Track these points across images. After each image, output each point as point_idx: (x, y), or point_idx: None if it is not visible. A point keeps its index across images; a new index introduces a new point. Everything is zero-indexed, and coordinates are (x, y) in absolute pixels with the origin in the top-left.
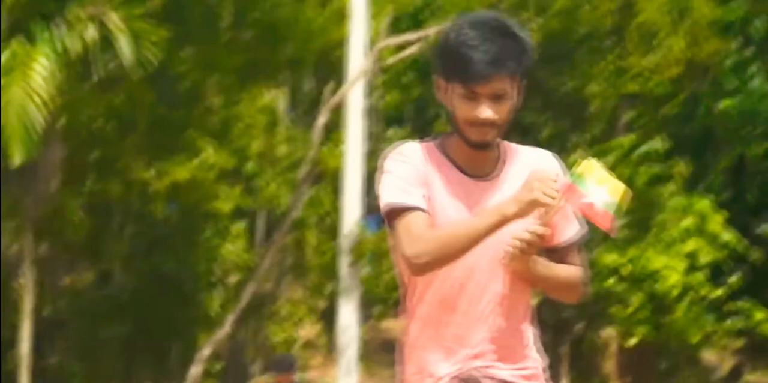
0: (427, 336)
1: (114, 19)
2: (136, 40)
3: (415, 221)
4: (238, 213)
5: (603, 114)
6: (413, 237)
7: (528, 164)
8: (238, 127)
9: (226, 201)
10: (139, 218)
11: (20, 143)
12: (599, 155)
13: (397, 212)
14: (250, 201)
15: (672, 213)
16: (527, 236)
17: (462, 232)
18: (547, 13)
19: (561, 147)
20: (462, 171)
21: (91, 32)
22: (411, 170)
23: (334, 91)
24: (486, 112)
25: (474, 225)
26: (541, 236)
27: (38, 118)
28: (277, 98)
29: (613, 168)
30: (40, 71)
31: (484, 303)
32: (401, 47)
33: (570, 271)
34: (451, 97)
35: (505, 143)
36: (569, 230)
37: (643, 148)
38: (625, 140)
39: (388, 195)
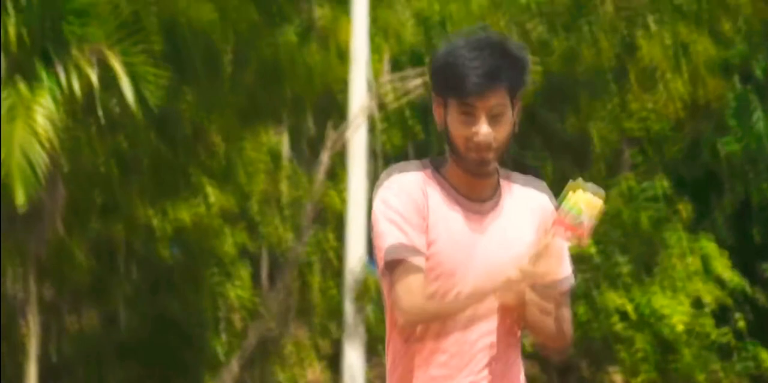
0: (412, 374)
1: (116, 61)
2: (138, 82)
3: (415, 284)
4: (242, 255)
5: (605, 154)
6: (409, 304)
7: (525, 199)
8: (241, 168)
9: (229, 243)
10: (143, 260)
11: (23, 184)
12: None
13: (396, 264)
14: (254, 243)
15: (676, 254)
16: (519, 273)
17: (461, 306)
18: (547, 55)
19: (563, 187)
20: (460, 195)
21: (93, 74)
22: (410, 206)
23: (337, 131)
24: (484, 128)
25: (474, 296)
26: (531, 273)
27: (41, 160)
28: (279, 139)
29: (615, 209)
30: (43, 113)
31: (474, 340)
32: (402, 85)
33: (561, 316)
34: (448, 115)
35: (511, 173)
36: (559, 273)
37: (646, 189)
38: (628, 180)
39: (387, 239)
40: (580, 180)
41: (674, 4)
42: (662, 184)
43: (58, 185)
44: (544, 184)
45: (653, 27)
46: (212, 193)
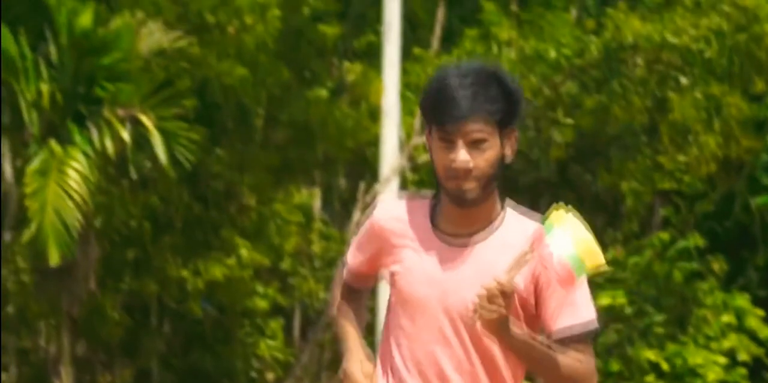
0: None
1: (148, 120)
2: (170, 141)
3: (340, 283)
4: (275, 310)
5: (638, 211)
6: (332, 300)
7: (523, 233)
8: (273, 225)
9: (262, 299)
10: (175, 316)
11: (57, 243)
12: (634, 252)
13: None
14: (286, 299)
15: (710, 310)
16: (490, 290)
17: (336, 334)
18: (579, 112)
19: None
20: (443, 232)
21: (126, 133)
22: (372, 231)
23: (368, 190)
24: (462, 155)
25: (340, 344)
26: (504, 291)
27: (74, 218)
28: (311, 197)
29: (648, 265)
30: (76, 172)
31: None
32: None
33: (573, 361)
34: (432, 143)
35: (512, 204)
36: (566, 318)
37: (679, 245)
38: (661, 236)
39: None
40: (568, 210)
41: (706, 61)
42: (695, 240)
43: (91, 242)
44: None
45: (685, 84)
46: (244, 250)
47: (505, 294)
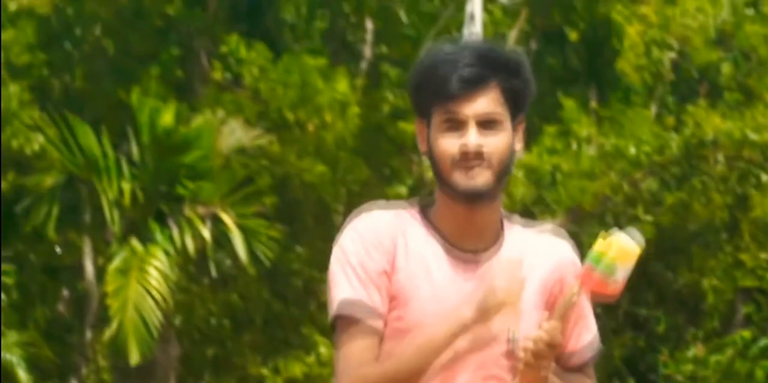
0: None
1: (228, 218)
2: (250, 238)
3: (359, 349)
4: None
5: (719, 309)
6: (353, 373)
7: (538, 247)
8: None
9: None
10: None
11: (138, 341)
12: (716, 350)
13: (345, 323)
14: None
15: None
16: (537, 343)
17: (412, 358)
18: (659, 208)
19: (676, 342)
20: (448, 243)
21: (206, 231)
22: (373, 255)
23: None
24: (473, 137)
25: (427, 346)
26: (553, 344)
27: (155, 317)
28: None
29: (730, 364)
30: (157, 271)
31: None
32: None
33: None
34: (432, 132)
35: (514, 215)
36: (584, 338)
37: (761, 343)
38: (743, 334)
39: (342, 291)
40: (614, 230)
41: None
42: None
43: (171, 340)
44: (563, 231)
45: (766, 180)
46: (324, 347)
47: (554, 346)
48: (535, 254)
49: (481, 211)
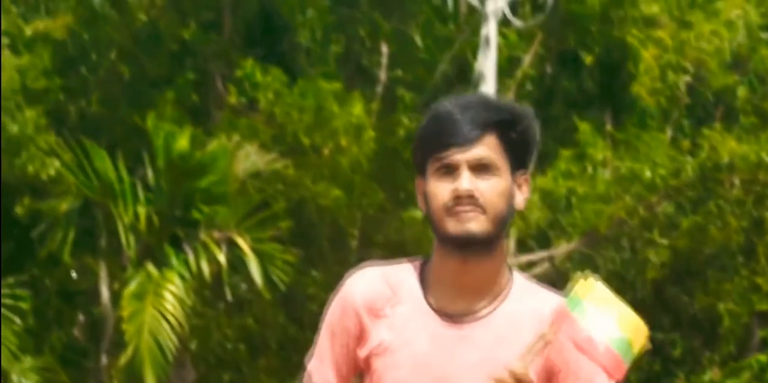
0: None
1: (244, 242)
2: (266, 263)
3: None
4: None
5: (735, 332)
6: None
7: (537, 308)
8: None
9: None
10: None
11: (153, 366)
12: (732, 374)
13: (307, 376)
14: None
15: None
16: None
17: None
18: (675, 232)
19: (692, 366)
20: (437, 302)
21: (222, 255)
22: (345, 321)
23: None
24: (465, 181)
25: None
26: (521, 380)
27: (170, 342)
28: None
29: None
30: (172, 295)
31: None
32: (530, 265)
33: None
34: (427, 186)
35: (521, 275)
36: None
37: None
38: (759, 358)
39: (314, 349)
40: (596, 280)
41: None
42: None
43: (186, 364)
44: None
45: None
46: None
47: None
48: (533, 313)
49: (476, 264)
